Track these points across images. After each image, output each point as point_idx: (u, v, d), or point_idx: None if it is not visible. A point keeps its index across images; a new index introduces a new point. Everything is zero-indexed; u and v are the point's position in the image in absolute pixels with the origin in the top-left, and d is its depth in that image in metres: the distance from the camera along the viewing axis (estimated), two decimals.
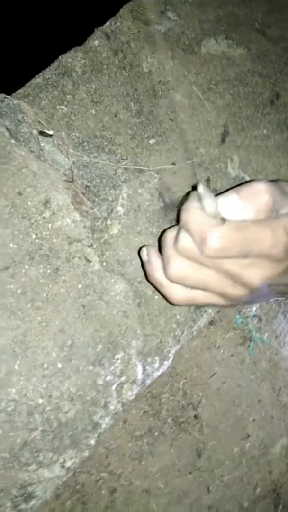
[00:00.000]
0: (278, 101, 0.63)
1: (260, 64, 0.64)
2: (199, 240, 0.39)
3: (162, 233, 0.44)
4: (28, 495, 0.42)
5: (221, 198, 0.41)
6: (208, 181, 0.57)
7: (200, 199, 0.40)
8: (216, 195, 0.41)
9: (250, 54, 0.64)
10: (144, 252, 0.45)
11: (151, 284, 0.46)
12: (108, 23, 0.60)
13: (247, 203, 0.39)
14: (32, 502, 0.42)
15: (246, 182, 0.42)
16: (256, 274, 0.39)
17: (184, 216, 0.40)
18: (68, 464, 0.44)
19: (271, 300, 0.55)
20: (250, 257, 0.39)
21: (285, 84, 0.64)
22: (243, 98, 0.62)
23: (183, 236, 0.40)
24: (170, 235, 0.42)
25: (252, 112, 0.61)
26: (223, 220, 0.39)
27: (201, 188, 0.39)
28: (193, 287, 0.42)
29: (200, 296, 0.43)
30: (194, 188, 0.43)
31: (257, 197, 0.39)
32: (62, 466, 0.43)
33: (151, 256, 0.44)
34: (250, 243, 0.38)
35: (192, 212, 0.39)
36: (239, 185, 0.41)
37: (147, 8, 0.61)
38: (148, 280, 0.47)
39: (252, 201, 0.39)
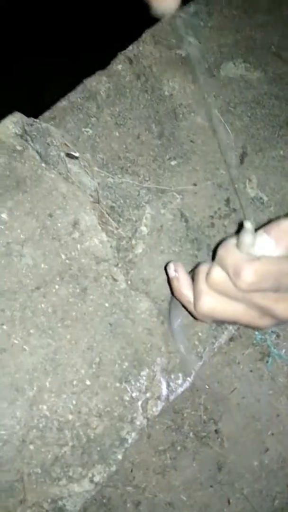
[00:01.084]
0: None
1: (277, 87, 0.66)
2: (233, 273, 0.40)
3: (196, 266, 0.45)
4: (59, 509, 0.44)
5: (257, 241, 0.42)
6: (227, 201, 0.58)
7: (242, 236, 0.41)
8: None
9: (267, 76, 0.66)
10: (171, 267, 0.46)
11: (177, 299, 0.47)
12: (130, 47, 0.62)
13: (277, 241, 0.41)
14: None
15: (273, 220, 0.43)
16: (286, 308, 0.41)
17: (221, 251, 0.41)
18: (97, 478, 0.45)
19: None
20: (281, 291, 0.40)
21: None
22: (261, 120, 0.63)
23: (216, 270, 0.41)
24: (203, 269, 0.43)
25: (269, 134, 0.63)
26: (257, 257, 0.40)
27: (247, 225, 0.41)
28: (219, 319, 0.44)
29: (226, 321, 0.44)
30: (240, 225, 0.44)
31: (286, 235, 0.41)
32: (91, 481, 0.45)
33: (180, 272, 0.46)
34: (282, 277, 0.39)
35: (229, 248, 0.41)
36: (267, 223, 0.42)
37: (168, 32, 0.63)
38: (173, 295, 0.48)
39: (282, 238, 0.41)
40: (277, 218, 0.41)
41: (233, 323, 0.45)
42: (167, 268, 0.48)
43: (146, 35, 0.62)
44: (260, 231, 0.41)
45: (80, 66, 0.60)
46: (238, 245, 0.40)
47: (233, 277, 0.39)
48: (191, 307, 0.45)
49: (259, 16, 0.68)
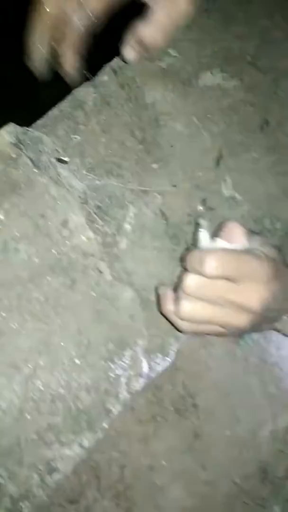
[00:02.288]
0: (268, 127, 0.71)
1: (252, 94, 0.72)
2: (199, 265, 0.46)
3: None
4: (52, 469, 0.51)
5: (213, 243, 0.50)
6: (204, 200, 0.65)
7: (199, 233, 0.49)
8: None
9: (243, 85, 0.72)
10: (160, 288, 0.54)
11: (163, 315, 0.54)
12: (115, 59, 0.68)
13: (229, 241, 0.49)
14: (55, 475, 0.51)
15: (221, 223, 0.51)
16: (253, 296, 0.47)
17: (187, 257, 0.49)
18: (85, 444, 0.52)
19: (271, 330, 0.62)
20: (243, 281, 0.46)
21: (274, 112, 0.72)
22: (236, 126, 0.69)
23: (187, 275, 0.48)
24: (180, 277, 0.49)
25: (244, 138, 0.69)
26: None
27: (201, 221, 0.49)
28: (201, 322, 0.50)
29: (205, 328, 0.51)
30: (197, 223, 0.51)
31: (236, 237, 0.49)
32: (81, 446, 0.52)
33: (164, 291, 0.52)
34: (242, 263, 0.46)
35: (192, 251, 0.49)
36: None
37: None
38: (160, 312, 0.55)
39: (232, 238, 0.49)
40: (224, 222, 0.48)
41: (214, 331, 0.51)
42: (157, 288, 0.55)
43: None
44: (215, 238, 0.48)
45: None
46: (197, 242, 0.48)
47: (199, 268, 0.46)
48: (174, 318, 0.51)
49: (235, 27, 0.74)
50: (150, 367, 0.57)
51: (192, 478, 0.59)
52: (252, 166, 0.68)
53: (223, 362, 0.63)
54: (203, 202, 0.64)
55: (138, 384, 0.56)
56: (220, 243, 0.50)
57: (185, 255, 0.50)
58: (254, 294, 0.47)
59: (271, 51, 0.75)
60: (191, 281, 0.47)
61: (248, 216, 0.66)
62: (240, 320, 0.48)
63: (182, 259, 0.54)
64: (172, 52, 0.70)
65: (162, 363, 0.58)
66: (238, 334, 0.52)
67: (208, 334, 0.54)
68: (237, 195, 0.66)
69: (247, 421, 0.63)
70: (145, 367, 0.56)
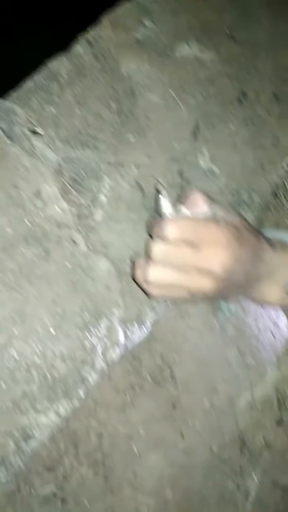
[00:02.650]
0: (245, 100, 0.71)
1: (229, 66, 0.72)
2: (160, 231, 0.48)
3: None
4: (28, 436, 0.51)
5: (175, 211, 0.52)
6: (181, 172, 0.64)
7: (160, 201, 0.51)
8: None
9: (220, 57, 0.72)
10: (135, 258, 0.55)
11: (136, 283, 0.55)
12: (90, 30, 0.67)
13: (192, 209, 0.51)
14: (32, 442, 0.51)
15: (186, 192, 0.53)
16: (214, 260, 0.48)
17: (151, 225, 0.51)
18: (61, 411, 0.52)
19: (238, 300, 0.63)
20: (204, 246, 0.48)
21: (252, 84, 0.72)
22: (213, 98, 0.69)
23: (151, 242, 0.50)
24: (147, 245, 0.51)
25: (221, 110, 0.69)
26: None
27: (162, 198, 0.51)
28: (167, 287, 0.51)
29: (173, 292, 0.51)
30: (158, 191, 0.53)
31: (199, 205, 0.50)
32: (56, 413, 0.52)
33: (137, 260, 0.53)
34: (199, 229, 0.48)
35: (156, 220, 0.51)
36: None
37: (126, 16, 0.68)
38: (134, 280, 0.55)
39: (196, 207, 0.50)
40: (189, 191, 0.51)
41: (182, 296, 0.52)
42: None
43: (105, 19, 0.67)
44: (178, 206, 0.51)
45: (44, 49, 0.65)
46: (159, 210, 0.48)
47: (161, 234, 0.48)
48: (144, 284, 0.52)
49: None
50: (127, 337, 0.57)
51: (170, 446, 0.60)
52: (229, 138, 0.68)
53: (201, 333, 0.63)
54: (180, 174, 0.64)
55: (115, 353, 0.56)
56: (182, 210, 0.51)
57: (148, 222, 0.51)
58: (215, 258, 0.48)
59: (249, 23, 0.75)
60: (155, 248, 0.49)
61: (225, 189, 0.66)
62: (204, 284, 0.49)
63: (148, 227, 0.55)
64: (147, 23, 0.69)
65: (138, 333, 0.58)
66: (206, 299, 0.53)
67: (177, 299, 0.54)
68: (214, 168, 0.66)
69: (225, 391, 0.63)
70: (121, 337, 0.57)
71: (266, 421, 0.65)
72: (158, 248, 0.49)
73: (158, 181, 0.57)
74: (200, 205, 0.51)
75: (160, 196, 0.51)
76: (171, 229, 0.47)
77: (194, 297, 0.51)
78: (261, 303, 0.59)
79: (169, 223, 0.48)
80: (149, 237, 0.53)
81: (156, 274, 0.50)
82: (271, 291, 0.56)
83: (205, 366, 0.63)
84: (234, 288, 0.52)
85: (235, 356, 0.65)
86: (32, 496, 0.53)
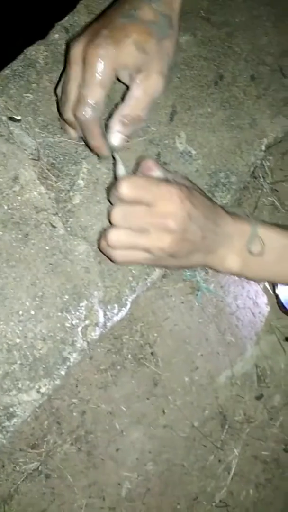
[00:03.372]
0: (222, 82, 0.72)
1: (205, 49, 0.72)
2: (116, 192, 0.51)
3: None
4: (10, 414, 0.53)
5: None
6: (158, 155, 0.66)
7: (115, 167, 0.55)
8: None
9: (196, 40, 0.72)
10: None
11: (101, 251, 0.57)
12: (67, 17, 0.68)
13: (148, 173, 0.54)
14: (14, 420, 0.53)
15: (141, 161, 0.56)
16: (168, 215, 0.51)
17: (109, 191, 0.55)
18: (43, 390, 0.54)
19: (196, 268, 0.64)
20: (158, 204, 0.51)
21: (228, 66, 0.73)
22: (190, 81, 0.70)
23: (109, 207, 0.54)
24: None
25: (198, 93, 0.70)
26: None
27: (116, 157, 0.56)
28: (128, 248, 0.53)
29: (135, 254, 0.54)
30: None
31: (150, 167, 0.54)
32: (38, 392, 0.54)
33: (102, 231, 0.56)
34: (151, 186, 0.51)
35: (112, 184, 0.55)
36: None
37: (101, 2, 0.69)
38: (99, 249, 0.57)
39: (150, 170, 0.54)
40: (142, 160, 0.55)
41: (144, 258, 0.54)
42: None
43: (80, 6, 0.68)
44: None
45: (21, 37, 0.66)
46: (116, 175, 0.55)
47: (117, 194, 0.51)
48: (107, 250, 0.54)
49: None
50: (107, 317, 0.59)
51: (151, 422, 0.62)
52: (206, 120, 0.69)
53: (181, 312, 0.65)
54: (157, 157, 0.65)
55: (95, 333, 0.58)
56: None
57: (107, 189, 0.56)
58: (169, 213, 0.51)
59: (225, 5, 0.75)
60: (113, 211, 0.52)
61: (202, 170, 0.67)
62: (162, 240, 0.52)
63: (107, 194, 0.59)
64: None
65: (118, 313, 0.59)
66: (167, 260, 0.55)
67: (141, 262, 0.56)
68: (191, 150, 0.67)
69: (205, 368, 0.65)
70: (101, 317, 0.58)
71: (246, 396, 0.66)
72: (115, 211, 0.52)
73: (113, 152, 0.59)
74: (153, 170, 0.54)
75: (115, 161, 0.55)
76: (125, 189, 0.51)
77: (156, 260, 0.54)
78: (224, 271, 0.60)
79: (123, 183, 0.51)
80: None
81: (116, 237, 0.52)
82: (230, 258, 0.57)
83: (185, 344, 0.64)
84: (192, 250, 0.54)
85: (215, 333, 0.66)
86: (16, 472, 0.55)
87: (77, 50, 0.52)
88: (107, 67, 0.51)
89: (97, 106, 0.53)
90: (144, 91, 0.54)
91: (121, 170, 0.56)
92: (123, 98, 0.56)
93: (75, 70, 0.53)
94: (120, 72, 0.53)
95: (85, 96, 0.52)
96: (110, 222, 0.53)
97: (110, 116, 0.57)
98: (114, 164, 0.56)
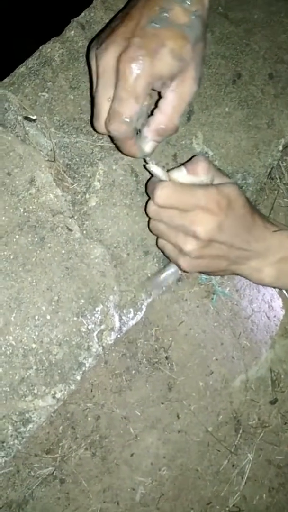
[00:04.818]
0: (240, 80, 0.70)
1: (223, 46, 0.70)
2: (152, 194, 0.52)
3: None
4: (26, 420, 0.52)
5: (172, 171, 0.55)
6: (175, 156, 0.64)
7: (152, 173, 0.55)
8: (168, 170, 0.55)
9: (214, 37, 0.70)
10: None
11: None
12: (83, 14, 0.66)
13: (193, 175, 0.53)
14: (30, 426, 0.53)
15: (192, 158, 0.55)
16: (198, 222, 0.51)
17: (148, 187, 0.56)
18: (58, 395, 0.54)
19: (222, 275, 0.64)
20: (191, 211, 0.51)
21: (246, 64, 0.71)
22: (207, 79, 0.68)
23: (148, 201, 0.55)
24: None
25: (215, 92, 0.68)
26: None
27: (150, 165, 0.54)
28: (161, 237, 0.57)
29: (167, 246, 0.56)
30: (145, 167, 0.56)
31: (199, 170, 0.53)
32: (54, 397, 0.53)
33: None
34: (187, 196, 0.51)
35: (150, 182, 0.55)
36: (188, 160, 0.55)
37: None
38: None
39: (196, 173, 0.53)
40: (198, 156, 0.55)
41: (170, 251, 0.56)
42: None
43: (97, 2, 0.66)
44: (180, 167, 0.55)
45: (37, 33, 0.64)
46: (153, 178, 0.54)
47: (152, 197, 0.52)
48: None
49: None
50: (122, 321, 0.58)
51: (166, 427, 0.62)
52: (223, 120, 0.68)
53: (196, 316, 0.64)
54: (174, 158, 0.64)
55: (110, 338, 0.57)
56: (180, 171, 0.54)
57: (147, 183, 0.58)
58: (200, 221, 0.51)
59: (243, 1, 0.73)
60: (148, 206, 0.55)
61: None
62: (187, 243, 0.52)
63: (146, 188, 0.60)
64: None
65: (134, 318, 0.59)
66: (192, 269, 0.56)
67: (170, 258, 0.58)
68: (208, 151, 0.66)
69: (220, 373, 0.65)
70: (116, 322, 0.58)
71: (260, 401, 0.66)
72: (150, 208, 0.54)
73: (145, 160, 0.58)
74: (199, 173, 0.53)
75: (149, 164, 0.55)
76: (159, 196, 0.52)
77: (179, 256, 0.55)
78: (254, 281, 0.60)
79: (158, 189, 0.51)
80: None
81: (151, 226, 0.57)
82: (264, 271, 0.57)
83: (200, 348, 0.64)
84: (216, 259, 0.54)
85: (230, 338, 0.66)
86: (31, 477, 0.55)
87: (108, 61, 0.49)
88: (143, 81, 0.48)
89: (131, 121, 0.50)
90: (180, 98, 0.52)
91: (158, 172, 0.55)
92: (156, 104, 0.53)
93: (106, 83, 0.50)
94: (156, 83, 0.50)
95: (118, 112, 0.49)
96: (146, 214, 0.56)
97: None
98: (149, 166, 0.55)
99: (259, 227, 0.56)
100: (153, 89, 0.52)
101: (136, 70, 0.47)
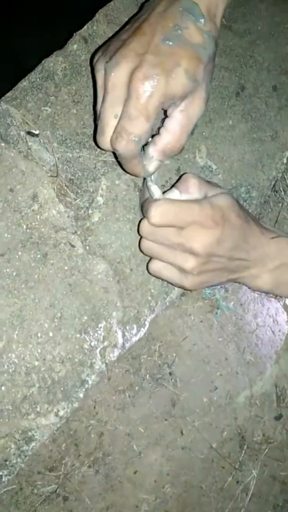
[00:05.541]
0: (243, 93, 0.70)
1: (227, 59, 0.70)
2: (146, 214, 0.51)
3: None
4: (29, 438, 0.52)
5: (166, 194, 0.54)
6: (178, 170, 0.64)
7: (148, 190, 0.54)
8: (164, 192, 0.55)
9: (217, 49, 0.70)
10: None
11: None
12: (85, 27, 0.66)
13: (186, 194, 0.53)
14: (32, 444, 0.52)
15: (181, 176, 0.55)
16: (195, 239, 0.51)
17: (141, 207, 0.56)
18: (61, 413, 0.53)
19: (222, 284, 0.64)
20: (186, 227, 0.50)
21: (250, 77, 0.71)
22: (211, 92, 0.68)
23: (141, 220, 0.54)
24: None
25: (218, 105, 0.68)
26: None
27: (150, 184, 0.54)
28: (156, 258, 0.55)
29: (165, 270, 0.55)
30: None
31: (190, 188, 0.53)
32: (56, 415, 0.53)
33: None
34: (183, 212, 0.50)
35: (144, 201, 0.54)
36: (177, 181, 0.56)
37: (120, 11, 0.67)
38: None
39: (188, 192, 0.53)
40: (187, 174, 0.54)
41: (169, 274, 0.54)
42: None
43: (99, 15, 0.66)
44: (173, 188, 0.54)
45: (39, 48, 0.64)
46: (150, 194, 0.54)
47: (148, 216, 0.51)
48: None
49: None
50: (125, 338, 0.58)
51: (169, 443, 0.61)
52: (227, 133, 0.67)
53: (200, 331, 0.64)
54: (177, 172, 0.64)
55: (113, 354, 0.57)
56: (172, 192, 0.54)
57: (141, 203, 0.57)
58: (197, 237, 0.51)
59: (247, 12, 0.73)
60: (142, 226, 0.54)
61: (223, 185, 0.66)
62: (186, 260, 0.52)
63: (141, 207, 0.59)
64: None
65: (137, 334, 0.58)
66: (193, 287, 0.55)
67: (169, 281, 0.57)
68: (212, 164, 0.66)
69: (224, 388, 0.64)
70: (120, 338, 0.57)
71: (265, 416, 0.65)
72: (144, 227, 0.53)
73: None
74: (190, 191, 0.53)
75: (149, 183, 0.54)
76: (154, 215, 0.50)
77: (178, 275, 0.54)
78: (253, 288, 0.60)
79: (152, 208, 0.50)
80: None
81: (145, 247, 0.55)
82: (263, 278, 0.57)
83: (204, 364, 0.63)
84: (217, 271, 0.53)
85: (234, 353, 0.65)
86: (34, 495, 0.54)
87: (119, 77, 0.48)
88: (156, 100, 0.47)
89: (139, 140, 0.49)
90: (188, 118, 0.51)
91: (155, 190, 0.54)
92: (163, 122, 0.52)
93: (115, 98, 0.49)
94: (167, 102, 0.49)
95: (127, 130, 0.48)
96: (139, 234, 0.55)
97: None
98: (146, 183, 0.55)
99: (256, 234, 0.56)
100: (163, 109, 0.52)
101: (149, 88, 0.46)
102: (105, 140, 0.51)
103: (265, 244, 0.57)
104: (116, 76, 0.48)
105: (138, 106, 0.47)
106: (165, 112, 0.52)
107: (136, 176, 0.55)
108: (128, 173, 0.55)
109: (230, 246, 0.53)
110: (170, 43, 0.47)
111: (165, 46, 0.47)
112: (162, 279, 0.58)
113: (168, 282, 0.58)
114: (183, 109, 0.50)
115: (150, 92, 0.46)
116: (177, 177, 0.64)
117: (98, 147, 0.54)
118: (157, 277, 0.59)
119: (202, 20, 0.49)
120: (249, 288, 0.61)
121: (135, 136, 0.49)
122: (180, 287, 0.56)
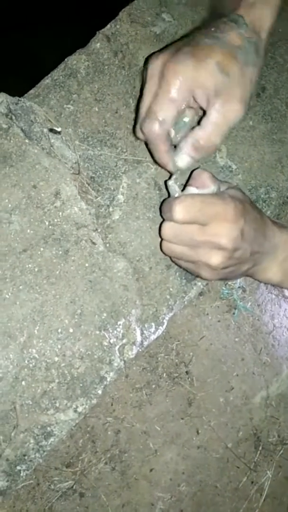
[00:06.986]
0: (264, 94, 0.70)
1: None
2: (169, 213, 0.51)
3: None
4: (47, 434, 0.52)
5: (184, 192, 0.54)
6: None
7: (168, 189, 0.55)
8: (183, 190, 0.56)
9: (262, 62, 0.70)
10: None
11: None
12: (108, 26, 0.66)
13: (203, 188, 0.53)
14: (51, 439, 0.52)
15: (193, 171, 0.55)
16: (221, 234, 0.50)
17: (161, 208, 0.55)
18: (80, 409, 0.53)
19: (237, 279, 0.64)
20: (210, 222, 0.50)
21: (271, 78, 0.71)
22: (251, 101, 0.68)
23: (162, 223, 0.53)
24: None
25: None
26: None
27: (171, 183, 0.55)
28: (179, 259, 0.55)
29: (185, 265, 0.55)
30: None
31: (206, 181, 0.53)
32: (75, 411, 0.53)
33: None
34: (207, 205, 0.50)
35: (164, 201, 0.54)
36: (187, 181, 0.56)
37: (144, 10, 0.67)
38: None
39: (205, 185, 0.53)
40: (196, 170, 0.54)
41: (191, 269, 0.55)
42: None
43: (123, 14, 0.66)
44: (188, 185, 0.54)
45: (62, 46, 0.65)
46: (170, 194, 0.54)
47: (170, 216, 0.50)
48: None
49: None
50: (143, 335, 0.58)
51: (185, 442, 0.61)
52: (247, 134, 0.67)
53: (217, 330, 0.64)
54: None
55: (132, 352, 0.57)
56: (189, 190, 0.54)
57: (160, 205, 0.56)
58: (223, 231, 0.50)
59: None
60: (164, 227, 0.53)
61: (243, 186, 0.66)
62: (210, 257, 0.51)
63: (160, 210, 0.58)
64: (166, 17, 0.68)
65: (155, 332, 0.59)
66: (213, 277, 0.55)
67: (188, 271, 0.57)
68: (232, 164, 0.66)
69: (240, 389, 0.64)
70: (138, 336, 0.57)
71: (281, 417, 0.65)
72: (167, 228, 0.52)
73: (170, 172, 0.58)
74: (207, 184, 0.53)
75: (171, 182, 0.55)
76: (178, 211, 0.50)
77: (202, 272, 0.54)
78: (263, 281, 0.60)
79: (176, 204, 0.50)
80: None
81: (167, 249, 0.55)
82: (272, 269, 0.57)
83: (220, 364, 0.63)
84: (238, 265, 0.53)
85: (251, 353, 0.65)
86: (51, 490, 0.54)
87: (155, 65, 0.50)
88: (183, 84, 0.49)
89: (165, 122, 0.50)
90: (223, 117, 0.51)
91: (174, 190, 0.55)
92: (199, 122, 0.53)
93: (150, 85, 0.51)
94: (198, 93, 0.50)
95: (154, 111, 0.50)
96: (160, 237, 0.54)
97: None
98: (171, 183, 0.55)
99: (269, 226, 0.56)
100: (200, 108, 0.52)
101: (178, 72, 0.48)
102: (138, 127, 0.52)
103: (276, 235, 0.57)
104: (153, 65, 0.50)
105: (165, 87, 0.49)
106: (204, 112, 0.52)
107: (164, 167, 0.56)
108: (157, 163, 0.56)
109: (251, 239, 0.53)
110: (208, 41, 0.49)
111: (203, 42, 0.49)
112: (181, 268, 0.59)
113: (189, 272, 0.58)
114: (217, 108, 0.51)
115: (177, 76, 0.48)
116: None
117: (135, 135, 0.55)
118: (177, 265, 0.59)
119: (244, 28, 0.51)
120: (257, 280, 0.60)
121: (161, 117, 0.50)
122: (199, 277, 0.56)
